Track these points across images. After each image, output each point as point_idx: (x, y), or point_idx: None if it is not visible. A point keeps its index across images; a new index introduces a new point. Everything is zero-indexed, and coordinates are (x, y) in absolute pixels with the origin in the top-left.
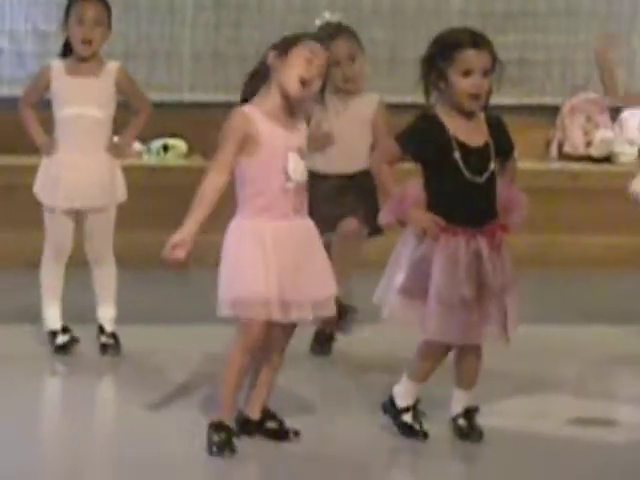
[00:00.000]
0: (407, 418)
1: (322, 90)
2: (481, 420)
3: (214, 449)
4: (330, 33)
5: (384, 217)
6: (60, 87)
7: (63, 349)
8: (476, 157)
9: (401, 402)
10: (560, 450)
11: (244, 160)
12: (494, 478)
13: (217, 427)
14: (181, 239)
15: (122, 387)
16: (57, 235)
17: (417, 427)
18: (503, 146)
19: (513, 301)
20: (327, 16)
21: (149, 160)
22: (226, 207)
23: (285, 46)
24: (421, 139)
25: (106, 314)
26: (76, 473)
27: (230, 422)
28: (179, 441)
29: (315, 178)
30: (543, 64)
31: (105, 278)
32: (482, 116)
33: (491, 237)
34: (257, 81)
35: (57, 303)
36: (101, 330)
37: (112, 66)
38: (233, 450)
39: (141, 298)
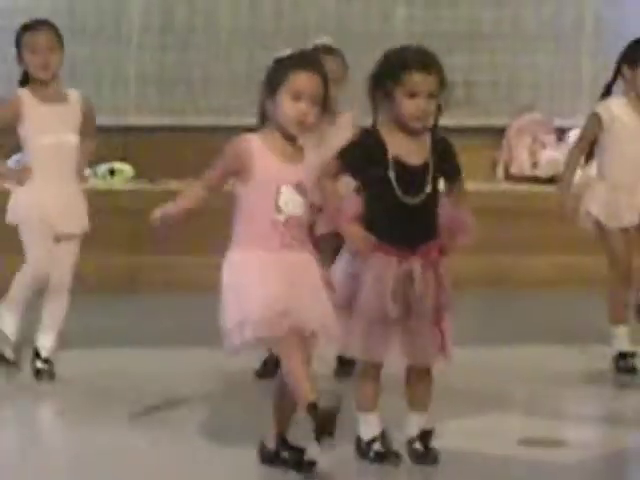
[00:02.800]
0: (377, 447)
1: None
2: (435, 441)
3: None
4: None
5: (319, 229)
6: (34, 115)
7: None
8: (412, 177)
9: (365, 435)
10: (512, 470)
11: (239, 189)
12: None
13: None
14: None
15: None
16: (41, 258)
17: (388, 452)
18: (448, 168)
19: (447, 323)
20: (318, 40)
21: (96, 184)
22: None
23: (272, 87)
24: (359, 155)
25: (46, 342)
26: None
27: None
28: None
29: None
30: (489, 85)
31: (58, 309)
32: (427, 136)
33: (426, 258)
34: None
35: (13, 328)
36: (36, 355)
37: (74, 94)
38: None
39: (86, 321)
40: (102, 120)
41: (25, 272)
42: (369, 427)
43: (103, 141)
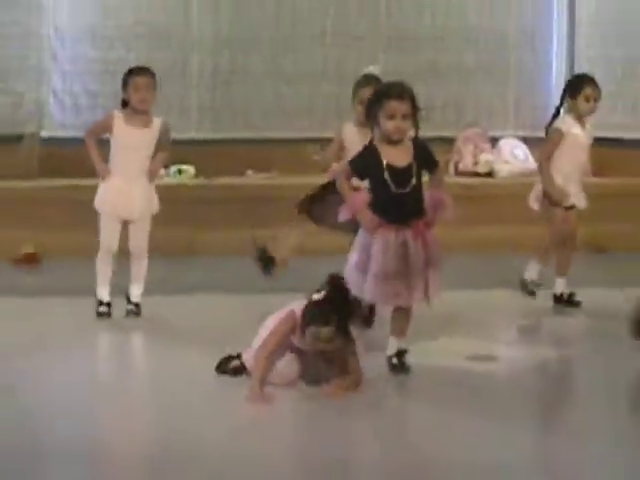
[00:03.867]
0: (395, 360)
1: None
2: (409, 358)
3: None
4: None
5: (342, 215)
6: (120, 133)
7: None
8: (401, 175)
9: (390, 349)
10: (460, 377)
11: None
12: (420, 399)
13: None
14: None
15: (143, 339)
16: (109, 236)
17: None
18: (427, 163)
19: (435, 275)
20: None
21: (169, 181)
22: None
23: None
24: (363, 164)
25: (134, 291)
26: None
27: None
28: (207, 382)
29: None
30: (443, 108)
31: (140, 268)
32: (409, 143)
33: (416, 230)
34: None
35: (106, 283)
36: (128, 300)
37: (157, 120)
38: None
39: (162, 276)
40: (174, 135)
41: (100, 250)
42: (392, 345)
43: (174, 149)
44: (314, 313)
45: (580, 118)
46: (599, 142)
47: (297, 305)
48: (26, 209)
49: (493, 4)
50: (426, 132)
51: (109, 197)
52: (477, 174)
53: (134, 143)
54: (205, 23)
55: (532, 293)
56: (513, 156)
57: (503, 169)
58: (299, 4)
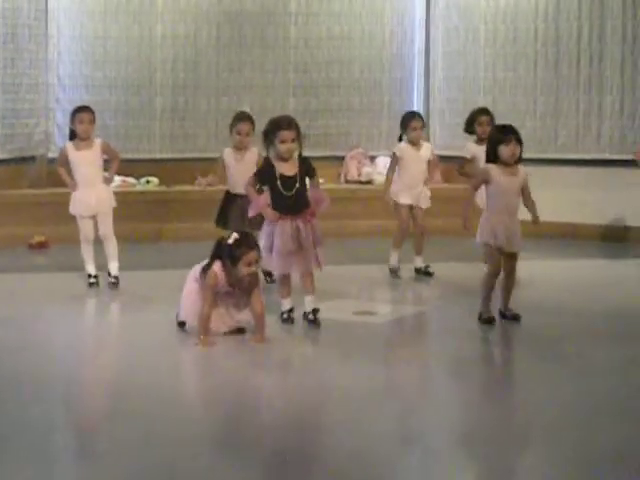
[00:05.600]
0: (286, 315)
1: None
2: (320, 314)
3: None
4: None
5: (251, 212)
6: (73, 157)
7: (92, 285)
8: (289, 181)
9: (283, 309)
10: (351, 328)
11: None
12: (316, 342)
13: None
14: None
15: (121, 302)
16: (85, 229)
17: (289, 318)
18: (308, 172)
19: (321, 251)
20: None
21: (140, 188)
22: None
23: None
24: (263, 174)
25: (112, 267)
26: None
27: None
28: (165, 332)
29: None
30: (336, 135)
31: (111, 247)
32: (296, 159)
33: (304, 219)
34: None
35: (91, 262)
36: (109, 274)
37: (98, 141)
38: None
39: (129, 257)
40: (143, 155)
41: (81, 240)
42: (285, 306)
43: (144, 166)
44: (242, 245)
45: (412, 143)
46: (450, 159)
47: (198, 267)
48: (38, 209)
49: (371, 62)
50: (325, 152)
51: (78, 203)
52: (360, 182)
53: (84, 162)
54: (165, 74)
55: (397, 276)
56: (386, 169)
57: (378, 179)
58: (234, 60)
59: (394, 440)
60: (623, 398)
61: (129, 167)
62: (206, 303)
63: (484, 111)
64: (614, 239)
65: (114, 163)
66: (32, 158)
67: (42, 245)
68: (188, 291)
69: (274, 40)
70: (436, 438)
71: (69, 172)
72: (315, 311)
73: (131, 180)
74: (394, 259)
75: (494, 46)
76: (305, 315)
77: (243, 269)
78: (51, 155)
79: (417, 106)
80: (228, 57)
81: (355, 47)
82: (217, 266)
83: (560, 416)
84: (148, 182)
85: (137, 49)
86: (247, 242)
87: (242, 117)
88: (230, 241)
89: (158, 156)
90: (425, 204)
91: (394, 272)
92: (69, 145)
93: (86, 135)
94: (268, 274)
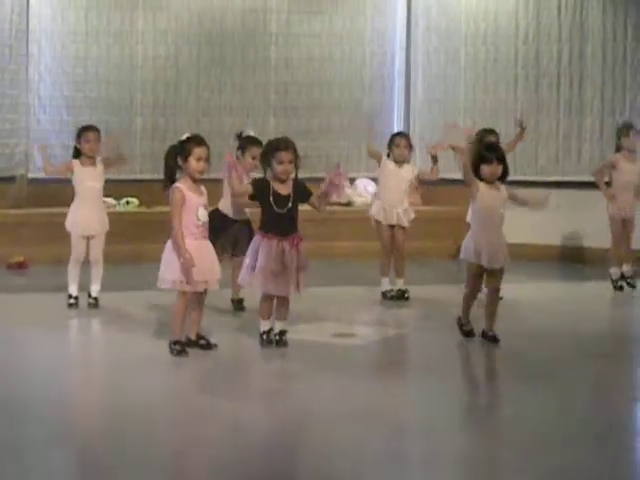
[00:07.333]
0: (265, 337)
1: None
2: (288, 336)
3: (175, 353)
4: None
5: (224, 173)
6: (78, 173)
7: (72, 306)
8: (283, 200)
9: (262, 329)
10: (329, 348)
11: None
12: (296, 364)
13: (175, 343)
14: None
15: (100, 322)
16: (78, 249)
17: (269, 340)
18: (304, 194)
19: (302, 275)
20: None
21: (120, 209)
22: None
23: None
24: (258, 190)
25: (94, 288)
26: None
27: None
28: (148, 349)
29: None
30: (317, 157)
31: (97, 271)
32: (291, 181)
33: (291, 242)
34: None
35: (75, 283)
36: (89, 295)
37: (99, 159)
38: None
39: (116, 277)
40: (123, 176)
41: (71, 259)
42: (264, 326)
43: (124, 187)
44: (191, 140)
45: (395, 160)
46: (429, 182)
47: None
48: (17, 229)
49: (352, 84)
50: (305, 174)
51: (78, 222)
52: (340, 204)
53: (90, 177)
54: (146, 95)
55: (391, 298)
56: (366, 191)
57: (358, 200)
58: (214, 81)
59: (376, 461)
60: (601, 418)
61: (109, 188)
62: (176, 220)
63: (490, 132)
64: (600, 261)
65: (118, 159)
66: (12, 178)
67: (21, 265)
68: (165, 254)
69: (254, 61)
70: (417, 459)
71: (60, 172)
72: (282, 332)
73: (111, 201)
74: (385, 284)
75: (474, 68)
76: (274, 336)
77: (193, 163)
78: (31, 175)
79: (397, 127)
80: (208, 78)
81: (335, 68)
82: (176, 183)
83: (541, 435)
84: (128, 203)
85: (118, 70)
86: (197, 138)
87: (254, 141)
88: (182, 138)
89: (138, 177)
90: (404, 223)
91: (386, 296)
92: (76, 162)
93: (92, 153)
94: (238, 302)
